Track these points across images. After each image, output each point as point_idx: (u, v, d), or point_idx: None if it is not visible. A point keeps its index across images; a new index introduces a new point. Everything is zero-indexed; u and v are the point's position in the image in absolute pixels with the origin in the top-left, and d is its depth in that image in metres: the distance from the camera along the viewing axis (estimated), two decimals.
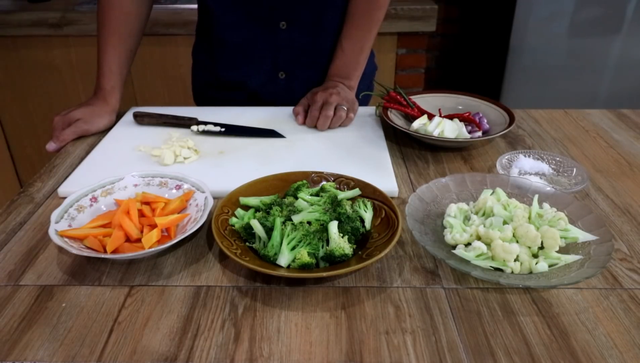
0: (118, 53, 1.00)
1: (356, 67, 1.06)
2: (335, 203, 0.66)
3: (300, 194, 0.68)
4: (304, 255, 0.59)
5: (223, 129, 0.95)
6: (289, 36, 1.03)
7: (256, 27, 1.02)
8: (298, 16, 1.01)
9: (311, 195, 0.69)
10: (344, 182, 0.74)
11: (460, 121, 0.94)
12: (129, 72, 1.05)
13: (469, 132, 0.93)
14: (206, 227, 0.69)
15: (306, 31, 1.03)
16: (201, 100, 1.19)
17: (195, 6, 1.11)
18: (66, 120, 0.95)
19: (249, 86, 1.09)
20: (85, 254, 0.59)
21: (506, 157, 0.85)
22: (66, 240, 0.61)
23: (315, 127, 0.97)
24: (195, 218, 0.66)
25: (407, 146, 0.93)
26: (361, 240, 0.64)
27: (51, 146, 0.94)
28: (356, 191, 0.71)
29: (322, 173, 0.75)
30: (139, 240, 0.63)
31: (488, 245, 0.62)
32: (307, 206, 0.65)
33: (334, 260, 0.60)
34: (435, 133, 0.89)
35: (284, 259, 0.59)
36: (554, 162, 0.85)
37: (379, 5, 1.02)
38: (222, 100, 1.11)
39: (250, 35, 1.03)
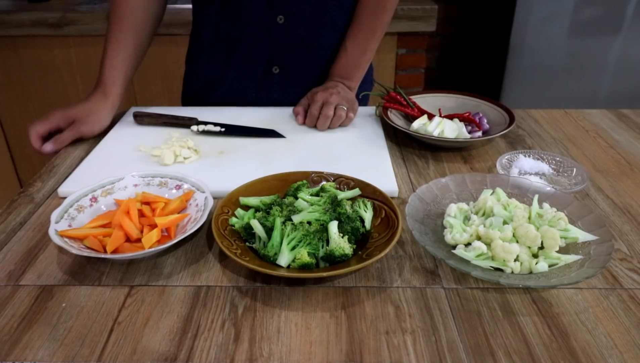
0: (123, 48, 0.98)
1: (358, 69, 1.06)
2: (335, 203, 0.66)
3: (300, 194, 0.68)
4: (304, 255, 0.59)
5: (223, 129, 0.95)
6: (286, 31, 1.02)
7: (253, 20, 1.01)
8: (297, 11, 1.01)
9: (311, 195, 0.69)
10: (344, 182, 0.74)
11: (460, 121, 0.94)
12: (134, 70, 1.02)
13: (469, 132, 0.93)
14: (206, 227, 0.69)
15: (304, 26, 1.03)
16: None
17: None
18: (68, 118, 0.93)
19: (241, 85, 1.09)
20: (85, 254, 0.59)
21: (506, 157, 0.85)
22: (66, 240, 0.61)
23: (315, 127, 0.97)
24: (195, 218, 0.66)
25: (407, 146, 0.93)
26: (361, 240, 0.64)
27: (48, 147, 0.91)
28: (356, 191, 0.71)
29: (322, 173, 0.75)
30: (139, 240, 0.63)
31: (488, 245, 0.62)
32: (307, 206, 0.65)
33: (334, 260, 0.60)
34: (435, 133, 0.89)
35: (284, 259, 0.59)
36: (554, 162, 0.85)
37: (385, 8, 1.02)
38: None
39: (247, 29, 1.03)
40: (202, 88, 1.13)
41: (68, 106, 0.94)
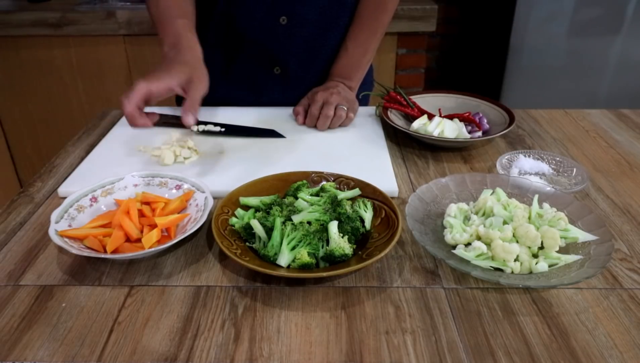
0: (188, 22, 0.90)
1: (358, 69, 1.06)
2: (335, 203, 0.66)
3: (300, 194, 0.68)
4: (304, 255, 0.59)
5: (223, 129, 0.95)
6: (289, 32, 1.02)
7: (255, 21, 1.01)
8: (300, 12, 1.01)
9: (311, 195, 0.69)
10: (344, 182, 0.74)
11: (460, 121, 0.94)
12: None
13: (469, 132, 0.93)
14: (206, 227, 0.69)
15: (307, 27, 1.03)
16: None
17: None
18: (187, 78, 0.77)
19: (242, 85, 1.09)
20: (85, 254, 0.59)
21: (506, 157, 0.85)
22: (66, 240, 0.61)
23: (315, 127, 0.97)
24: (195, 218, 0.66)
25: (407, 146, 0.93)
26: (361, 240, 0.64)
27: (191, 119, 0.74)
28: (356, 191, 0.71)
29: (322, 173, 0.75)
30: (139, 240, 0.63)
31: (488, 245, 0.62)
32: (307, 206, 0.65)
33: (334, 260, 0.60)
34: (435, 133, 0.89)
35: (284, 259, 0.59)
36: (554, 162, 0.85)
37: (386, 8, 1.03)
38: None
39: (249, 30, 1.03)
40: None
41: (163, 69, 0.77)
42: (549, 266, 0.59)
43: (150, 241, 0.62)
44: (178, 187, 0.73)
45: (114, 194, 0.71)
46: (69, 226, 0.64)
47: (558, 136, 0.98)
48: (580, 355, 0.50)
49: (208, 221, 0.68)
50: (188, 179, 0.73)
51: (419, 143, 0.94)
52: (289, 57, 1.06)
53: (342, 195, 0.69)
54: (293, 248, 0.60)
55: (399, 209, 0.66)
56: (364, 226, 0.65)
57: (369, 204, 0.68)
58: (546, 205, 0.67)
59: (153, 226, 0.65)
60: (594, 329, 0.53)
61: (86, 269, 0.62)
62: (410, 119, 0.98)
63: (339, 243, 0.60)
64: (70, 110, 2.01)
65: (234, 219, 0.66)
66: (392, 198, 0.75)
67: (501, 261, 0.60)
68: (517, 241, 0.61)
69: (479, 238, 0.63)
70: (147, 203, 0.69)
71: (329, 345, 0.51)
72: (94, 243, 0.62)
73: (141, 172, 0.75)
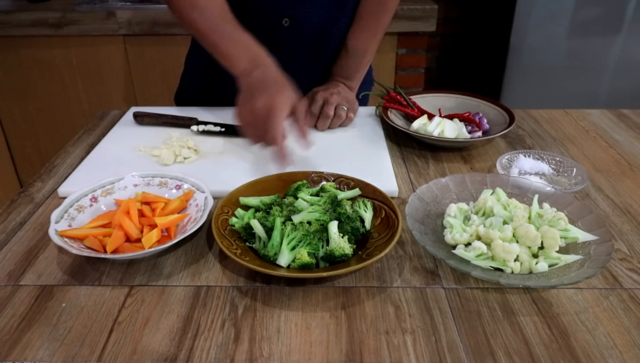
0: (238, 25, 0.88)
1: (358, 69, 1.06)
2: (335, 203, 0.66)
3: (300, 194, 0.68)
4: (304, 255, 0.59)
5: (223, 129, 0.95)
6: (291, 33, 1.02)
7: (258, 22, 1.01)
8: (302, 14, 1.01)
9: (311, 195, 0.69)
10: (344, 182, 0.74)
11: (460, 121, 0.94)
12: None
13: (469, 132, 0.93)
14: (206, 227, 0.69)
15: (309, 29, 1.03)
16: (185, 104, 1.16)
17: None
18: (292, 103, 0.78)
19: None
20: (85, 254, 0.59)
21: (506, 157, 0.85)
22: (66, 240, 0.61)
23: (315, 127, 0.97)
24: (195, 218, 0.66)
25: (407, 146, 0.93)
26: (361, 240, 0.64)
27: (307, 141, 0.77)
28: (356, 191, 0.71)
29: (322, 173, 0.75)
30: (139, 240, 0.63)
31: (488, 245, 0.62)
32: (307, 206, 0.65)
33: (334, 260, 0.60)
34: (435, 133, 0.89)
35: (284, 259, 0.59)
36: (554, 162, 0.85)
37: (387, 9, 1.03)
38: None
39: (251, 31, 1.03)
40: (202, 88, 1.13)
41: (269, 94, 0.77)
42: (549, 266, 0.59)
43: (150, 241, 0.62)
44: (178, 187, 0.73)
45: (114, 194, 0.71)
46: (69, 226, 0.64)
47: (558, 136, 0.98)
48: (580, 355, 0.50)
49: (208, 221, 0.68)
50: (188, 179, 0.73)
51: (419, 143, 0.94)
52: (290, 59, 1.06)
53: (342, 195, 0.69)
54: (293, 248, 0.60)
55: (399, 209, 0.66)
56: (364, 226, 0.65)
57: (369, 204, 0.68)
58: (546, 205, 0.67)
59: (153, 226, 0.65)
60: (594, 329, 0.53)
61: (86, 269, 0.62)
62: (410, 119, 0.98)
63: (339, 243, 0.60)
64: (70, 110, 2.01)
65: (234, 219, 0.66)
66: (392, 198, 0.75)
67: (501, 261, 0.60)
68: (517, 241, 0.61)
69: (479, 238, 0.63)
70: (147, 203, 0.69)
71: (329, 345, 0.51)
72: (94, 243, 0.62)
73: (141, 172, 0.75)
